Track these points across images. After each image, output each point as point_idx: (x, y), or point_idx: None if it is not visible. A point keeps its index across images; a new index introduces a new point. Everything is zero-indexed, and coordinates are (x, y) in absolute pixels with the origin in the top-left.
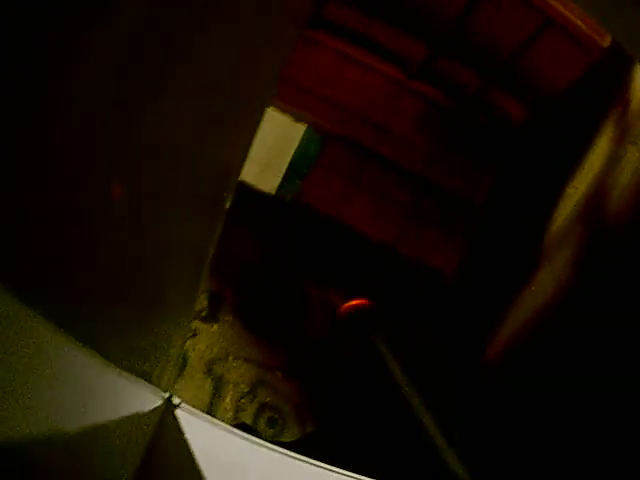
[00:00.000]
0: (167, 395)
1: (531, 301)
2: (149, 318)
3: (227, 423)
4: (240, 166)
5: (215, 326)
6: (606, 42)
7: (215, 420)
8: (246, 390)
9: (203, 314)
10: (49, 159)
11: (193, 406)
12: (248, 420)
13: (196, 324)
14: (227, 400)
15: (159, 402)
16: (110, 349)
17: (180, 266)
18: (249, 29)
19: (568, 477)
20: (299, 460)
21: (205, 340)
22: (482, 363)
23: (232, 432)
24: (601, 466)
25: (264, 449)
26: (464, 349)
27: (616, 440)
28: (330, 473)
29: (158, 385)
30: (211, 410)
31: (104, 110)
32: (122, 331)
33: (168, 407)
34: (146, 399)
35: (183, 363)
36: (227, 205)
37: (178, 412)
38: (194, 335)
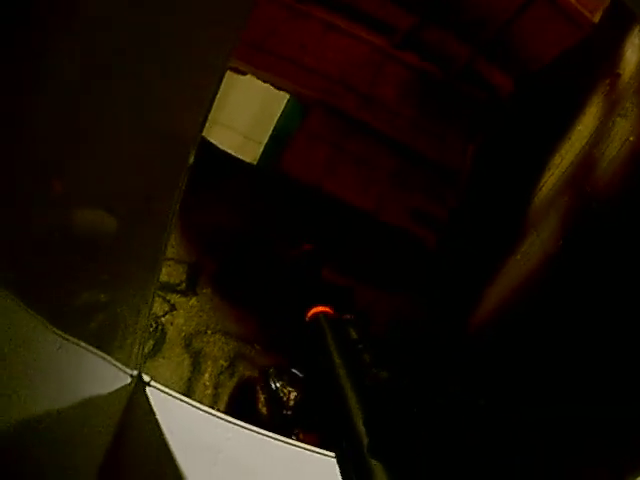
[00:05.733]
0: (136, 373)
1: (517, 270)
2: (112, 290)
3: (207, 399)
4: (201, 125)
5: (193, 299)
6: (596, 18)
7: (186, 398)
8: (225, 365)
9: (181, 287)
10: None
11: (172, 382)
12: (226, 396)
13: (174, 298)
14: (206, 376)
15: (128, 380)
16: (75, 325)
17: (141, 232)
18: None
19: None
20: (274, 439)
21: (183, 314)
22: (467, 334)
23: (205, 410)
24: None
25: (237, 428)
26: (449, 319)
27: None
28: (306, 452)
29: (127, 362)
30: (190, 386)
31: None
32: (85, 306)
33: (138, 385)
34: (115, 377)
35: (162, 338)
36: (189, 165)
37: (149, 390)
38: (172, 309)
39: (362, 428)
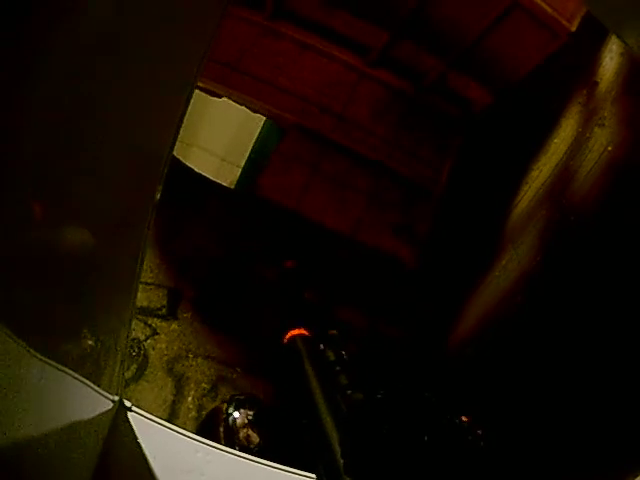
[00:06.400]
0: (117, 398)
1: (495, 286)
2: (90, 315)
3: (191, 422)
4: (168, 153)
5: (174, 324)
6: (573, 26)
7: (167, 423)
8: (207, 388)
9: (162, 312)
10: None
11: (156, 406)
12: None
13: (156, 322)
14: (189, 399)
15: (110, 405)
16: (56, 351)
17: (116, 255)
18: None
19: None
20: (253, 462)
21: (165, 339)
22: (446, 351)
23: (185, 435)
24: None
25: (218, 451)
26: (428, 338)
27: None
28: (285, 473)
29: (108, 388)
30: (174, 409)
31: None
32: (65, 331)
33: (120, 410)
34: (96, 403)
35: (144, 362)
36: (158, 195)
37: (131, 415)
38: (154, 334)
39: (338, 449)
